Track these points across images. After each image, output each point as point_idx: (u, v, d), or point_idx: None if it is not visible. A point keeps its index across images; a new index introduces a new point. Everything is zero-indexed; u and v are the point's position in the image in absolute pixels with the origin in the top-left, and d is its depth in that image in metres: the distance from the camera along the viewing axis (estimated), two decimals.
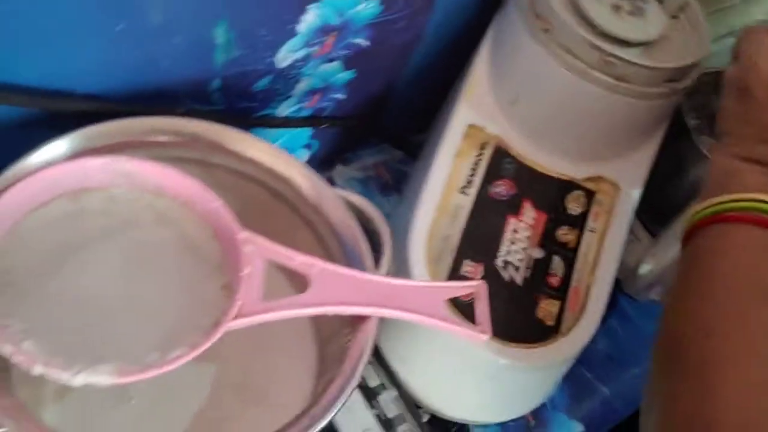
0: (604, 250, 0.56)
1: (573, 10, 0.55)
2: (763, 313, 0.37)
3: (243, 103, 0.52)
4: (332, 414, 0.38)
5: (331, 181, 0.67)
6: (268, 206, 0.48)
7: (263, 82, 0.52)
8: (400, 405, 0.54)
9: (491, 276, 0.53)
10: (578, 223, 0.57)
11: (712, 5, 0.65)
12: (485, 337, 0.42)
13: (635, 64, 0.52)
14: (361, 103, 0.61)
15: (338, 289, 0.41)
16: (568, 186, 0.58)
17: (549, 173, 0.58)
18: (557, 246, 0.56)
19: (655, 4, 0.57)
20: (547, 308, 0.53)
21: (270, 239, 0.41)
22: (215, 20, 0.45)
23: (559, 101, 0.57)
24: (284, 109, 0.56)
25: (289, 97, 0.55)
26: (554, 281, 0.54)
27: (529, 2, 0.55)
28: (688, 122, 0.61)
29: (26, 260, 0.39)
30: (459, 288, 0.44)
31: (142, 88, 0.47)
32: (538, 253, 0.55)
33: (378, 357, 0.56)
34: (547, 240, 0.56)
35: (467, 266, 0.53)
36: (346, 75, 0.58)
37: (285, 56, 0.51)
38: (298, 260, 0.41)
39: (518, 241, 0.55)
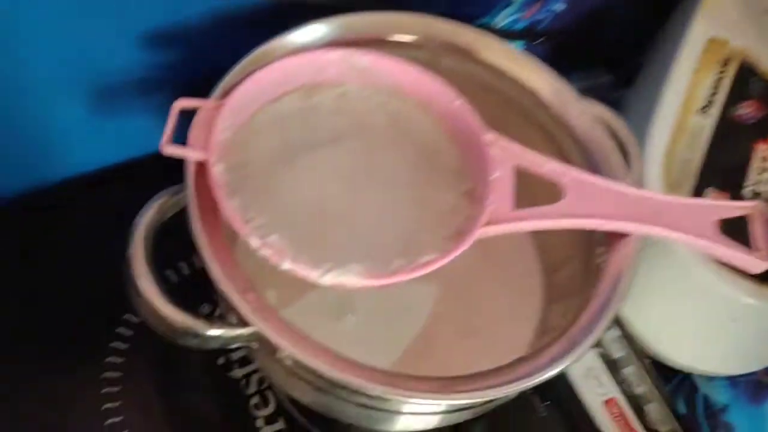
0: None
1: None
2: None
3: (466, 8, 0.47)
4: (594, 336, 0.33)
5: None
6: (501, 115, 0.43)
7: None
8: (624, 346, 0.49)
9: None
10: None
11: None
12: (765, 264, 0.36)
13: None
14: (580, 16, 0.55)
15: (596, 200, 0.35)
16: None
17: None
18: None
19: None
20: None
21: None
22: None
23: None
24: (502, 19, 0.52)
25: (509, 4, 0.50)
26: None
27: None
28: None
29: (260, 156, 0.37)
30: (732, 208, 0.37)
31: None
32: None
33: None
34: None
35: (710, 194, 0.47)
36: None
37: None
38: (549, 167, 0.36)
39: None
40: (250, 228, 0.32)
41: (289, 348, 0.30)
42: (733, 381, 0.52)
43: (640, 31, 0.60)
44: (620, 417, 0.45)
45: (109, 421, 0.40)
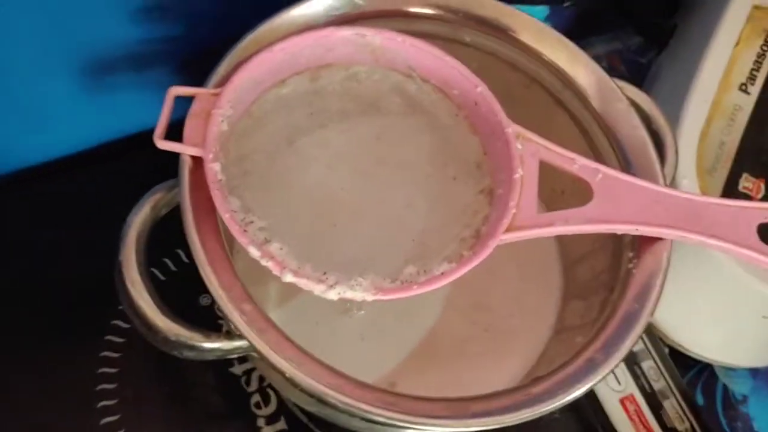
0: None
1: None
2: None
3: None
4: (618, 357, 0.31)
5: None
6: (525, 96, 0.40)
7: None
8: (642, 339, 0.47)
9: None
10: None
11: None
12: None
13: None
14: None
15: (628, 203, 0.32)
16: None
17: None
18: None
19: None
20: None
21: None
22: None
23: None
24: None
25: None
26: None
27: None
28: None
29: (262, 147, 0.34)
30: None
31: None
32: None
33: None
34: None
35: (747, 181, 0.44)
36: None
37: None
38: (580, 164, 0.33)
39: None
40: (249, 236, 0.29)
41: (289, 369, 0.28)
42: (753, 371, 0.51)
43: None
44: (637, 415, 0.43)
45: (105, 420, 0.38)
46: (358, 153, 0.36)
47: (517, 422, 0.29)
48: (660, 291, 0.33)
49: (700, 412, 0.45)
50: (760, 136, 0.45)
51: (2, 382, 0.39)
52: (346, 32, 0.34)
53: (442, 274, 0.30)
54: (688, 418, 0.44)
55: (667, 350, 0.49)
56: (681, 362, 0.49)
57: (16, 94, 0.39)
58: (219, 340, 0.30)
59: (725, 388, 0.50)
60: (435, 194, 0.34)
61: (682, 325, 0.48)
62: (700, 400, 0.48)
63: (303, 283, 0.29)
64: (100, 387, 0.39)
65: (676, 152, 0.38)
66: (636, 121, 0.37)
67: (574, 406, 0.43)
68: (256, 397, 0.40)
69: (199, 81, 0.32)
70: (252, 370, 0.40)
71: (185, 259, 0.42)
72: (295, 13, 0.35)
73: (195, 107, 0.31)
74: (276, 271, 0.29)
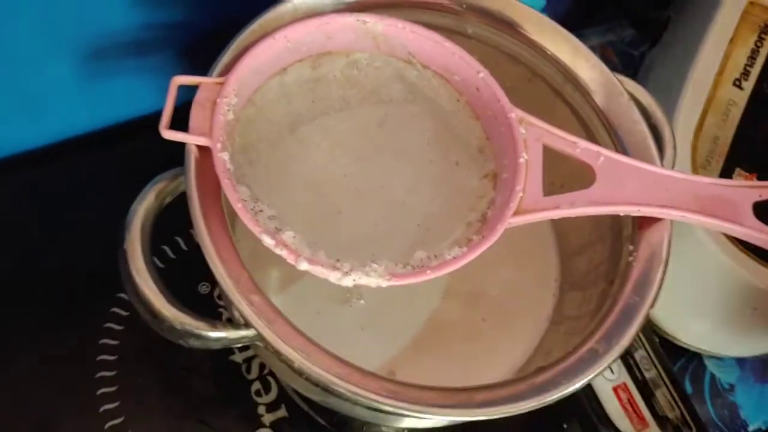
0: None
1: None
2: None
3: None
4: (620, 348, 0.31)
5: None
6: (526, 89, 0.40)
7: None
8: None
9: None
10: None
11: None
12: None
13: None
14: None
15: (630, 185, 0.32)
16: None
17: None
18: None
19: None
20: None
21: None
22: None
23: None
24: None
25: None
26: None
27: None
28: None
29: (266, 136, 0.34)
30: None
31: None
32: None
33: None
34: None
35: (739, 176, 0.44)
36: None
37: None
38: (582, 147, 0.33)
39: None
40: (261, 225, 0.29)
41: (298, 359, 0.28)
42: (740, 360, 0.52)
43: None
44: (630, 403, 0.44)
45: (104, 407, 0.38)
46: (360, 140, 0.36)
47: (521, 412, 0.29)
48: (660, 284, 0.33)
49: (689, 400, 0.46)
50: (753, 131, 0.45)
51: (1, 371, 0.38)
52: (348, 19, 0.34)
53: (454, 258, 0.30)
54: (678, 406, 0.45)
55: (657, 340, 0.50)
56: (670, 351, 0.50)
57: (16, 79, 0.39)
58: (225, 329, 0.30)
59: (713, 376, 0.51)
60: (438, 180, 0.35)
61: (672, 315, 0.49)
62: (688, 388, 0.49)
63: (318, 270, 0.29)
64: (99, 374, 0.39)
65: (675, 146, 0.38)
66: (636, 115, 0.37)
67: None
68: (256, 385, 0.40)
69: (200, 67, 0.32)
70: (252, 358, 0.41)
71: (184, 247, 0.42)
72: (299, 0, 0.35)
73: (199, 96, 0.31)
74: (290, 260, 0.29)
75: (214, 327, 0.30)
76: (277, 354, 0.29)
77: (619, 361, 0.45)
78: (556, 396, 0.30)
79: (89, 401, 0.38)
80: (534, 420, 0.43)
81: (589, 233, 0.40)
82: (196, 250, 0.41)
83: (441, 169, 0.35)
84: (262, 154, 0.33)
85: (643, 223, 0.34)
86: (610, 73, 0.38)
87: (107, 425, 0.37)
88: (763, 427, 0.50)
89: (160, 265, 0.42)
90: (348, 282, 0.29)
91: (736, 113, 0.45)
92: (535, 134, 0.33)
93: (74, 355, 0.39)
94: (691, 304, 0.48)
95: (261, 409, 0.39)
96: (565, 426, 0.43)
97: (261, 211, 0.30)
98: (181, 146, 0.30)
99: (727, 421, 0.49)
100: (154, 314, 0.29)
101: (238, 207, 0.29)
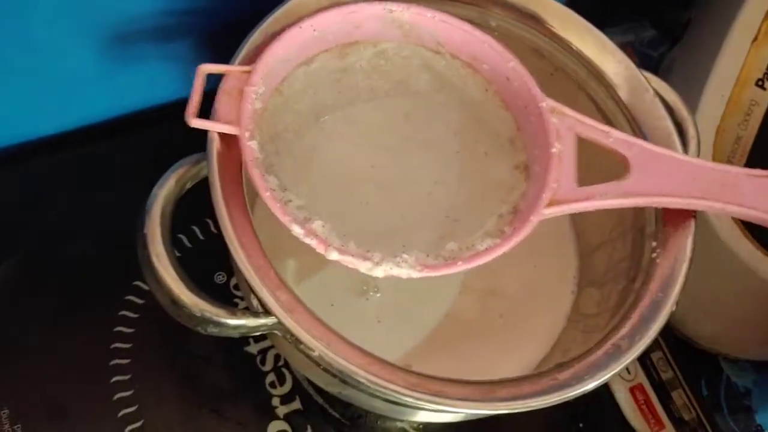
0: None
1: None
2: None
3: None
4: (643, 344, 0.31)
5: None
6: (550, 84, 0.39)
7: None
8: None
9: None
10: None
11: None
12: None
13: None
14: None
15: (665, 176, 0.32)
16: None
17: None
18: None
19: None
20: None
21: None
22: None
23: None
24: None
25: None
26: None
27: None
28: None
29: (293, 126, 0.34)
30: None
31: None
32: None
33: None
34: None
35: None
36: None
37: None
38: (615, 137, 0.33)
39: None
40: (291, 215, 0.29)
41: (320, 348, 0.28)
42: (757, 364, 0.51)
43: None
44: (646, 404, 0.44)
45: (118, 395, 0.38)
46: (387, 131, 0.35)
47: (544, 406, 0.29)
48: (684, 281, 0.33)
49: (706, 403, 0.45)
50: None
51: (16, 358, 0.38)
52: (375, 8, 0.33)
53: (487, 249, 0.30)
54: (695, 409, 0.45)
55: (674, 342, 0.49)
56: (687, 353, 0.50)
57: (38, 64, 0.38)
58: (244, 317, 0.29)
59: (729, 380, 0.50)
60: (466, 171, 0.34)
61: (689, 316, 0.48)
62: (704, 391, 0.49)
63: (348, 260, 0.28)
64: (113, 362, 0.38)
65: (699, 143, 0.38)
66: (662, 111, 0.36)
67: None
68: (271, 377, 0.39)
69: (222, 54, 0.32)
70: (267, 349, 0.40)
71: (200, 236, 0.42)
72: None
73: (226, 84, 0.30)
74: (320, 249, 0.28)
75: (234, 314, 0.29)
76: (297, 343, 0.28)
77: (636, 362, 0.45)
78: (579, 391, 0.29)
79: (103, 389, 0.37)
80: (550, 419, 0.42)
81: (609, 230, 0.39)
82: (212, 239, 0.42)
83: (468, 160, 0.35)
84: (288, 144, 0.33)
85: (668, 219, 0.34)
86: (636, 69, 0.37)
87: (120, 413, 0.37)
88: None
89: (177, 254, 0.41)
90: (379, 273, 0.28)
91: (759, 113, 0.45)
92: (567, 124, 0.32)
93: (89, 343, 0.39)
94: (707, 305, 0.47)
95: (275, 401, 0.39)
96: (581, 425, 0.43)
97: (290, 201, 0.30)
98: (201, 134, 0.30)
99: (742, 425, 0.49)
100: (174, 300, 0.29)
101: (266, 196, 0.28)
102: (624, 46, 0.60)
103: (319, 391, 0.40)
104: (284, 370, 0.40)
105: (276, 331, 0.30)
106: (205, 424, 0.38)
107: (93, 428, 0.37)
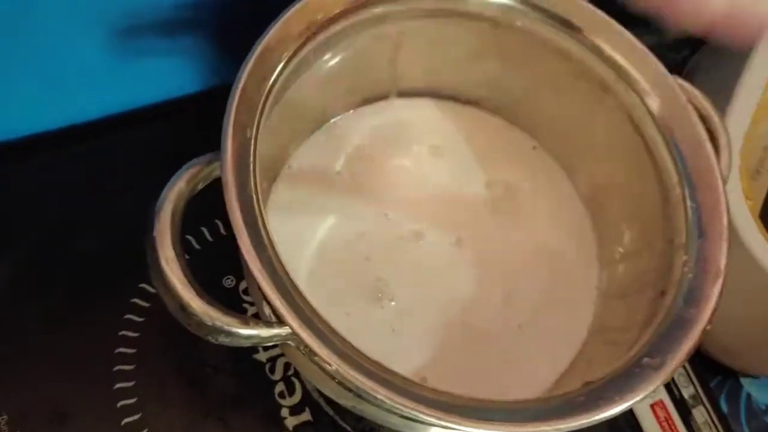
0: None
1: None
2: None
3: None
4: (675, 365, 0.29)
5: None
6: (571, 87, 0.38)
7: None
8: None
9: None
10: None
11: None
12: None
13: None
14: None
15: None
16: None
17: None
18: None
19: None
20: None
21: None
22: None
23: None
24: None
25: None
26: None
27: None
28: None
29: None
30: None
31: None
32: None
33: None
34: None
35: None
36: None
37: None
38: None
39: None
40: None
41: (338, 363, 0.26)
42: None
43: None
44: (667, 421, 0.42)
45: (122, 402, 0.36)
46: None
47: (573, 429, 0.27)
48: (718, 298, 0.31)
49: (727, 421, 0.44)
50: None
51: (15, 361, 0.37)
52: None
53: None
54: (716, 426, 0.43)
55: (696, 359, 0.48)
56: (706, 369, 0.48)
57: (44, 56, 0.37)
58: (257, 326, 0.28)
59: (749, 396, 0.48)
60: None
61: (713, 333, 0.47)
62: (724, 408, 0.47)
63: None
64: (117, 368, 0.37)
65: (730, 153, 0.36)
66: (694, 118, 0.35)
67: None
68: (280, 386, 0.38)
69: (233, 49, 0.31)
70: (277, 357, 0.39)
71: (209, 238, 0.40)
72: None
73: None
74: None
75: (246, 324, 0.28)
76: (311, 355, 0.27)
77: None
78: (607, 414, 0.28)
79: (106, 396, 0.36)
80: None
81: (634, 239, 0.38)
82: (221, 241, 0.41)
83: None
84: None
85: (701, 231, 0.32)
86: (668, 74, 0.36)
87: (124, 421, 0.36)
88: None
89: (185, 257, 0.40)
90: None
91: None
92: None
93: (92, 347, 0.37)
94: (730, 320, 0.46)
95: (284, 412, 0.38)
96: None
97: None
98: (210, 130, 0.28)
99: None
100: (183, 307, 0.27)
101: None
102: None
103: (330, 402, 0.38)
104: (294, 380, 0.38)
105: (290, 342, 0.29)
106: None
107: None
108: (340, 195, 0.39)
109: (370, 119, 0.41)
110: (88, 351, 0.37)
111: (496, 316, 0.39)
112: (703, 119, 0.36)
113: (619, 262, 0.39)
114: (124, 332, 0.37)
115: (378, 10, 0.35)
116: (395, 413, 0.27)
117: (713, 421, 0.43)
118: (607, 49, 0.36)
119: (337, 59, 0.34)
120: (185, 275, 0.28)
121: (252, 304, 0.39)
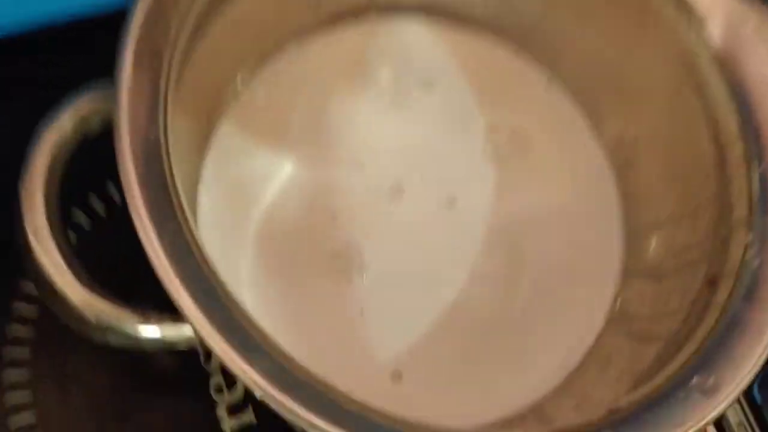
0: None
1: None
2: None
3: None
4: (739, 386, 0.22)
5: None
6: (604, 12, 0.31)
7: None
8: None
9: None
10: None
11: None
12: None
13: None
14: None
15: None
16: None
17: None
18: None
19: None
20: None
21: None
22: None
23: None
24: None
25: None
26: None
27: None
28: None
29: None
30: None
31: None
32: None
33: None
34: None
35: None
36: None
37: None
38: None
39: None
40: None
41: (264, 389, 0.19)
42: None
43: None
44: None
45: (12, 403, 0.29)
46: None
47: None
48: None
49: (757, 407, 0.38)
50: None
51: None
52: None
53: None
54: (744, 411, 0.37)
55: None
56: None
57: None
58: (163, 322, 0.21)
59: None
60: None
61: None
62: (757, 398, 0.42)
63: None
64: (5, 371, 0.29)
65: None
66: (765, 53, 0.27)
67: None
68: (217, 379, 0.30)
69: None
70: None
71: (100, 211, 0.32)
72: None
73: None
74: None
75: (147, 320, 0.21)
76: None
77: None
78: None
79: None
80: None
81: (673, 204, 0.31)
82: (118, 214, 0.32)
83: None
84: None
85: None
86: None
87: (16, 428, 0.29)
88: None
89: (86, 228, 0.31)
90: None
91: None
92: None
93: None
94: None
95: (221, 411, 0.30)
96: None
97: None
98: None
99: None
100: (57, 297, 0.20)
101: None
102: None
103: None
104: None
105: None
106: None
107: None
108: (301, 137, 0.33)
109: (341, 42, 0.34)
110: None
111: (493, 295, 0.32)
112: None
113: (650, 232, 0.32)
114: (12, 325, 0.30)
115: None
116: None
117: (741, 406, 0.37)
118: None
119: None
120: (62, 253, 0.20)
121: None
